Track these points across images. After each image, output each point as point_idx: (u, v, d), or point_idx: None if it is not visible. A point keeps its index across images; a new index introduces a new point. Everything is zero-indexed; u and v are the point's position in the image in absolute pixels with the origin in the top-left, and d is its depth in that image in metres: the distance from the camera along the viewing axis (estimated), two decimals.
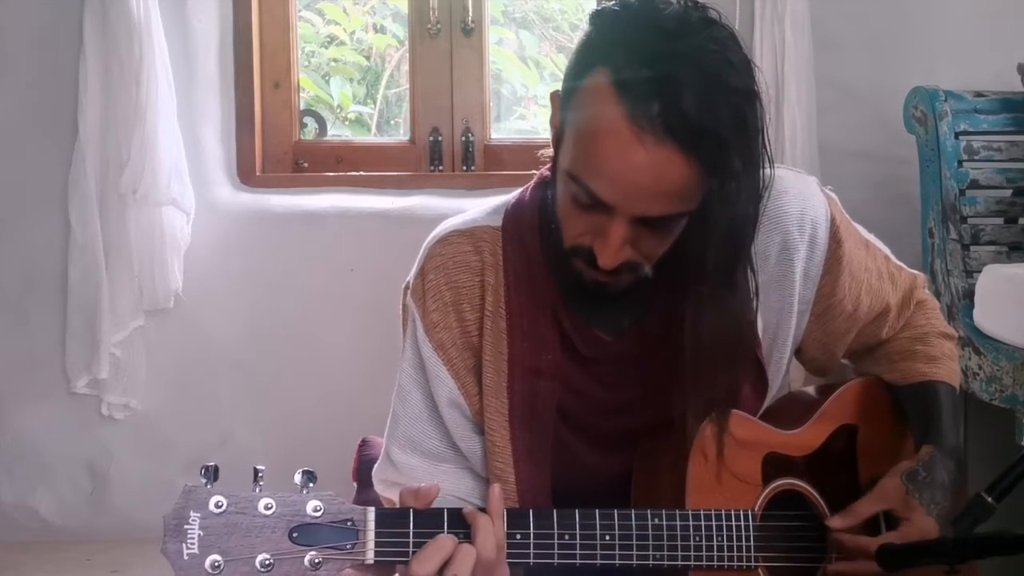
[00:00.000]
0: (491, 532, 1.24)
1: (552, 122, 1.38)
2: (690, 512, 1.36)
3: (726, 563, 1.37)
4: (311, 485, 1.19)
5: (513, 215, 1.47)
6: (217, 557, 1.14)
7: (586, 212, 1.30)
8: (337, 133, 3.23)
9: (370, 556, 1.20)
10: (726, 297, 1.35)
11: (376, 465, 1.55)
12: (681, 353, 1.37)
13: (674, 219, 1.30)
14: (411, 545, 1.22)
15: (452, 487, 1.46)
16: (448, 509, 1.25)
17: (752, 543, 1.38)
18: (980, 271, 2.39)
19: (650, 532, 1.33)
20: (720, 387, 1.38)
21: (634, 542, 1.33)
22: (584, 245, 1.32)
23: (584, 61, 1.30)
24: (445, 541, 1.22)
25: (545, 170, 1.48)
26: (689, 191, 1.27)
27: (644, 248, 1.32)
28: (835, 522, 1.44)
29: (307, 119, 3.11)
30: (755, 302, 1.39)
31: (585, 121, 1.28)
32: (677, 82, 1.21)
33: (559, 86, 1.38)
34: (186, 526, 1.14)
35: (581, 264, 1.34)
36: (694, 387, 1.37)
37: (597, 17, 1.33)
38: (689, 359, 1.36)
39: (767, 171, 1.32)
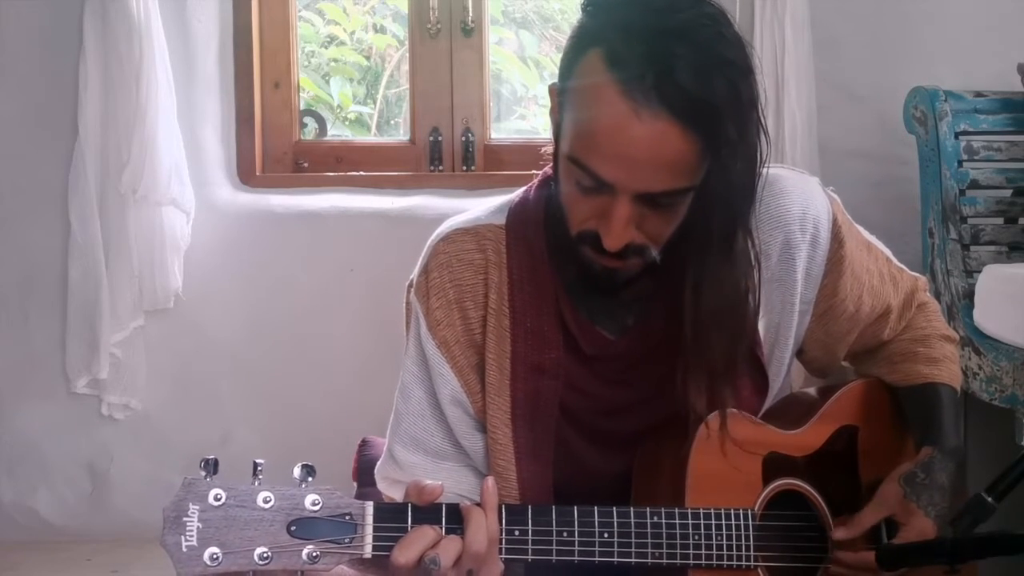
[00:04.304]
0: (483, 525, 1.24)
1: (551, 115, 1.39)
2: (689, 511, 1.36)
3: (725, 562, 1.37)
4: (310, 479, 1.20)
5: (517, 213, 1.48)
6: (216, 549, 1.14)
7: (589, 195, 1.30)
8: (337, 133, 3.23)
9: (368, 550, 1.21)
10: (726, 267, 1.35)
11: (379, 463, 1.55)
12: (682, 326, 1.37)
13: (676, 195, 1.30)
14: None
15: (454, 485, 1.47)
16: (446, 504, 1.25)
17: (751, 542, 1.38)
18: (980, 271, 2.39)
19: (649, 530, 1.33)
20: (721, 357, 1.38)
21: (633, 540, 1.33)
22: (590, 230, 1.32)
23: (577, 46, 1.31)
24: (427, 530, 1.22)
25: (548, 168, 1.48)
26: (688, 164, 1.27)
27: (649, 229, 1.32)
28: (839, 533, 1.44)
29: (307, 119, 3.11)
30: (756, 273, 1.39)
31: (581, 102, 1.29)
32: (670, 55, 1.22)
33: None
34: (185, 518, 1.15)
35: (589, 251, 1.34)
36: (695, 358, 1.37)
37: (589, 4, 1.33)
38: (690, 328, 1.36)
39: (764, 146, 1.32)
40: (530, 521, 1.29)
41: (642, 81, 1.23)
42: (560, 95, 1.34)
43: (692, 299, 1.36)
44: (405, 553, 1.20)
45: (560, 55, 1.36)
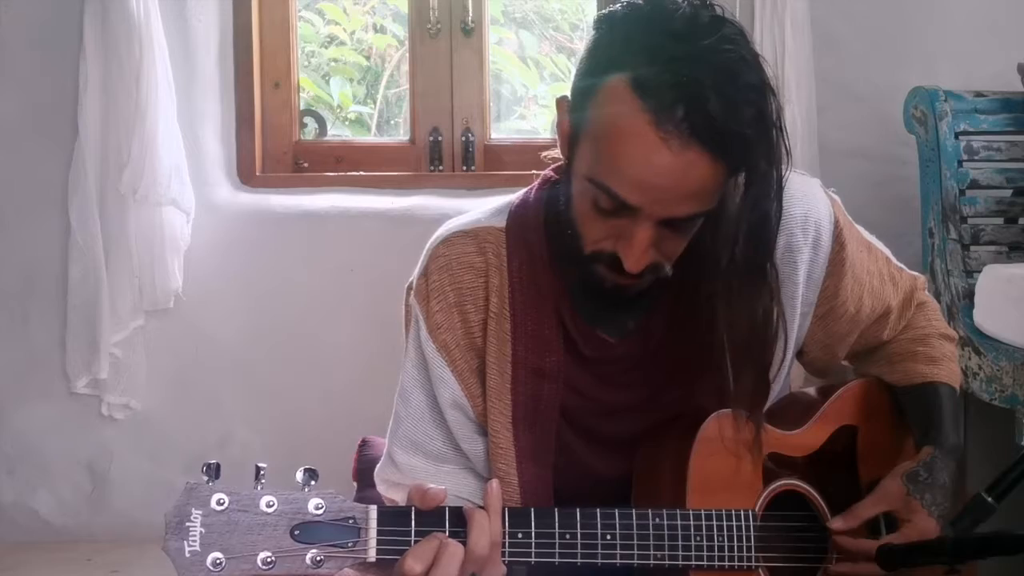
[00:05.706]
0: (486, 529, 1.24)
1: (560, 127, 1.37)
2: (691, 512, 1.36)
3: (727, 563, 1.36)
4: (313, 483, 1.19)
5: (517, 216, 1.47)
6: (219, 555, 1.14)
7: (608, 217, 1.30)
8: (337, 133, 3.23)
9: (372, 554, 1.20)
10: (758, 292, 1.36)
11: (378, 465, 1.55)
12: (712, 350, 1.37)
13: (698, 219, 1.31)
14: (413, 544, 1.22)
15: (454, 488, 1.46)
16: (450, 508, 1.25)
17: (753, 543, 1.38)
18: (980, 271, 2.40)
19: (651, 531, 1.33)
20: (751, 382, 1.39)
21: (635, 541, 1.32)
22: (606, 250, 1.32)
23: (597, 67, 1.30)
24: (436, 538, 1.23)
25: (550, 171, 1.47)
26: (713, 189, 1.28)
27: (667, 249, 1.32)
28: (836, 524, 1.44)
29: (307, 119, 3.11)
30: (779, 296, 1.40)
31: (607, 127, 1.27)
32: (698, 84, 1.22)
33: (559, 86, 1.38)
34: (188, 523, 1.14)
35: (603, 269, 1.34)
36: (732, 383, 1.38)
37: (604, 22, 1.32)
38: (728, 356, 1.36)
39: (785, 164, 1.32)
40: (533, 523, 1.29)
41: (672, 112, 1.22)
42: (575, 113, 1.33)
43: (728, 331, 1.36)
44: (419, 563, 1.21)
45: (559, 55, 1.35)
